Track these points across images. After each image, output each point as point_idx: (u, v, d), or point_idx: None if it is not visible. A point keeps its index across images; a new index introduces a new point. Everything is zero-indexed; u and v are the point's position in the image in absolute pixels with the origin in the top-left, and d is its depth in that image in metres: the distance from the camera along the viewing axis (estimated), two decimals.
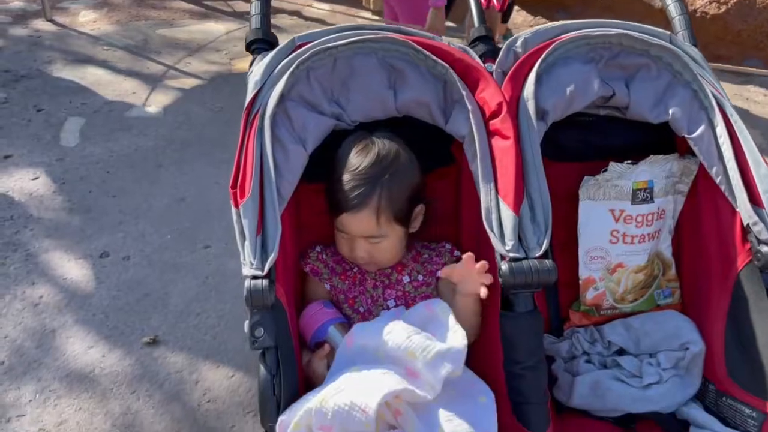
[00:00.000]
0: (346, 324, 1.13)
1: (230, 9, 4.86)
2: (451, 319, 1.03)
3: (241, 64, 3.84)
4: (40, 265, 2.21)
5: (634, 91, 1.17)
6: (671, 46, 1.19)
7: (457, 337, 0.99)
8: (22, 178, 2.64)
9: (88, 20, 4.36)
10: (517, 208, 1.02)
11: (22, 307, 2.02)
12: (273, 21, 4.42)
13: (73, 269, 2.19)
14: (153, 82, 3.57)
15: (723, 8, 3.91)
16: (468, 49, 1.19)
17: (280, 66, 1.11)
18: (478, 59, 1.17)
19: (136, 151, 2.90)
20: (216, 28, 4.42)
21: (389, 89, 1.14)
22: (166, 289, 2.12)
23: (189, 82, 3.60)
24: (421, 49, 1.13)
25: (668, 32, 1.25)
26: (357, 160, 1.12)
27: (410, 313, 1.08)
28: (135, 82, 3.54)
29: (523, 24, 4.58)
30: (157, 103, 3.34)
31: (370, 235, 1.14)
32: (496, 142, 1.08)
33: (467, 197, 1.22)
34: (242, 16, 4.71)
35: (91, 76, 3.56)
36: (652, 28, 1.24)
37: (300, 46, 1.13)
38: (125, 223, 2.42)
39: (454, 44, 1.18)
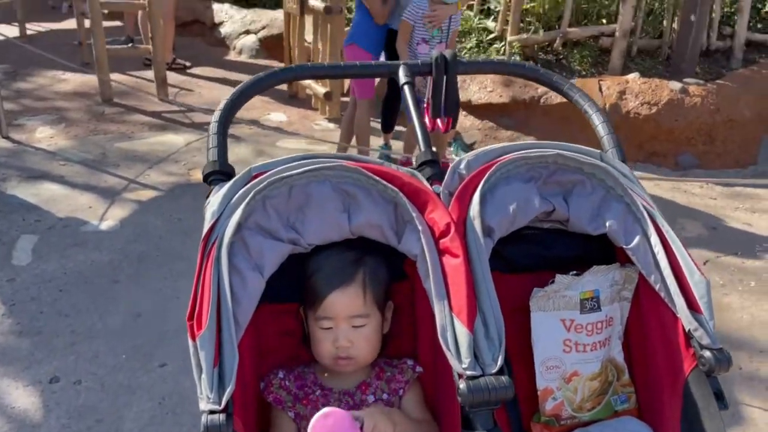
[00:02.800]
0: None
1: (189, 120, 4.99)
2: None
3: (199, 174, 3.90)
4: None
5: (573, 205, 1.25)
6: (602, 164, 1.28)
7: None
8: None
9: (45, 136, 4.40)
10: (471, 324, 1.05)
11: None
12: (232, 131, 4.53)
13: (21, 397, 2.09)
14: (110, 195, 3.58)
15: (654, 109, 4.23)
16: (416, 172, 1.26)
17: (236, 196, 1.14)
18: (425, 182, 1.23)
19: (90, 266, 2.86)
20: (175, 139, 4.52)
21: (343, 213, 1.19)
22: (120, 413, 2.04)
23: (147, 194, 3.63)
24: (371, 174, 1.19)
25: (599, 150, 1.36)
26: (336, 250, 1.20)
27: None
28: (92, 196, 3.55)
29: (471, 127, 4.82)
30: (114, 216, 3.34)
31: (357, 314, 1.18)
32: (447, 260, 1.13)
33: (422, 313, 1.24)
34: (201, 126, 4.84)
35: (46, 192, 3.55)
36: (584, 147, 1.34)
37: (256, 176, 1.17)
38: (78, 344, 2.34)
39: (404, 169, 1.25)
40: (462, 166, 1.25)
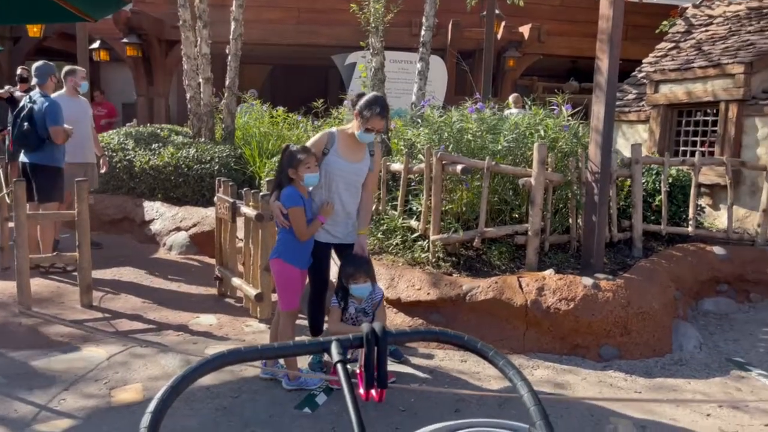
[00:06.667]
0: None
1: (113, 329, 4.83)
2: None
3: (122, 394, 3.70)
4: None
5: None
6: None
7: None
8: None
9: None
10: None
11: None
12: (158, 339, 4.43)
13: None
14: (19, 428, 3.30)
15: (571, 304, 4.48)
16: None
17: None
18: None
19: None
20: (96, 353, 4.32)
21: None
22: None
23: (61, 424, 3.37)
24: None
25: (527, 425, 1.41)
26: None
27: None
28: None
29: (402, 324, 4.90)
30: None
31: None
32: None
33: None
34: (126, 335, 4.68)
35: None
36: (514, 423, 1.40)
37: None
38: None
39: None
40: None
